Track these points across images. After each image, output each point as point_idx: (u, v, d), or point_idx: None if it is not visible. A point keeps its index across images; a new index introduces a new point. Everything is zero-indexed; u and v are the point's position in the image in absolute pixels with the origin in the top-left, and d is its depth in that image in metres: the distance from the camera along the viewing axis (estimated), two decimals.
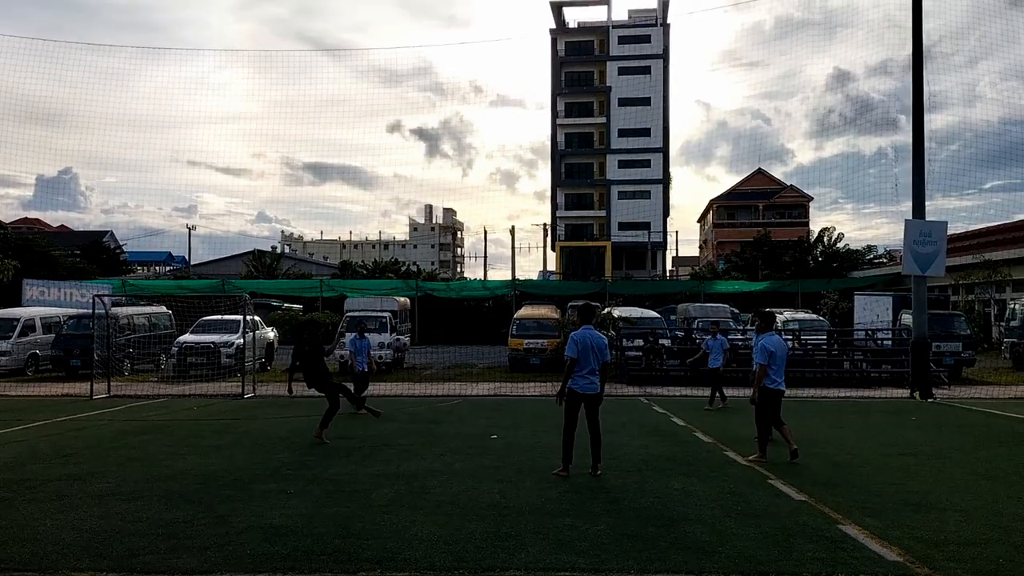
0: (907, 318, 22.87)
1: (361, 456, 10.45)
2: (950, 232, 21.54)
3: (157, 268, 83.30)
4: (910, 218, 19.18)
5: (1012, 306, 29.07)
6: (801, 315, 27.62)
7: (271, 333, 26.84)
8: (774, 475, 9.14)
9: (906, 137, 23.50)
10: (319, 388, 11.92)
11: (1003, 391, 19.75)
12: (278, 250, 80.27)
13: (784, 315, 26.69)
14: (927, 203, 19.37)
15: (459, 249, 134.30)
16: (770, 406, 10.17)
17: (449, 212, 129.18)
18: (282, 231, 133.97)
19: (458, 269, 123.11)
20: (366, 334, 16.20)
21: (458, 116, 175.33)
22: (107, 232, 77.23)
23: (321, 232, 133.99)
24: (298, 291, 40.83)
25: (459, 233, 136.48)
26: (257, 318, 24.85)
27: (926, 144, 19.29)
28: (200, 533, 6.71)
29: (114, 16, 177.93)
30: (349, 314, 25.81)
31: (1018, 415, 15.21)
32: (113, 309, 22.73)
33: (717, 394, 16.03)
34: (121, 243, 70.84)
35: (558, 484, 8.67)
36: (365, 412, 14.47)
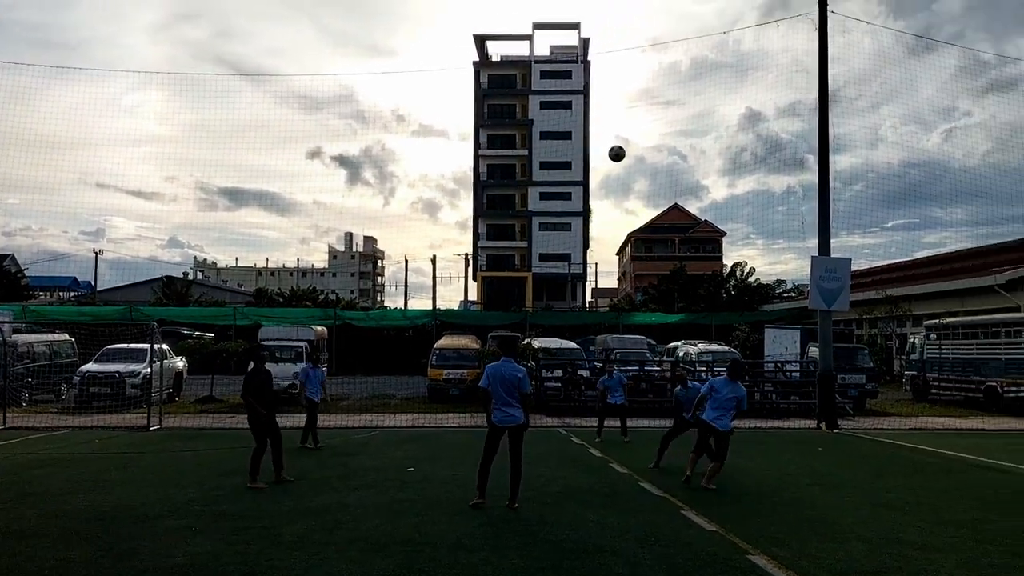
0: (814, 351, 23.67)
1: (271, 491, 10.14)
2: (854, 268, 22.52)
3: (61, 294, 79.83)
4: (816, 255, 19.94)
5: (912, 340, 30.44)
6: (714, 347, 28.29)
7: (180, 362, 25.95)
8: (687, 506, 9.28)
9: (813, 176, 24.56)
10: (265, 426, 10.60)
11: (904, 422, 20.61)
12: (190, 276, 77.93)
13: (698, 347, 27.31)
14: (832, 240, 20.23)
15: (379, 278, 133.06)
16: (703, 433, 10.99)
17: (370, 240, 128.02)
18: (195, 257, 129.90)
19: (378, 298, 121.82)
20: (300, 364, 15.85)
21: (380, 144, 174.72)
22: (8, 255, 73.51)
23: (236, 259, 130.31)
24: (210, 319, 39.56)
25: (380, 262, 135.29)
26: (165, 347, 24.05)
27: (831, 183, 20.22)
28: (99, 574, 6.40)
29: (24, 33, 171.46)
30: (264, 343, 25.20)
31: (918, 445, 15.88)
32: (12, 336, 21.67)
33: (604, 427, 16.41)
34: (23, 267, 67.77)
35: (474, 517, 8.61)
36: (313, 447, 14.25)
